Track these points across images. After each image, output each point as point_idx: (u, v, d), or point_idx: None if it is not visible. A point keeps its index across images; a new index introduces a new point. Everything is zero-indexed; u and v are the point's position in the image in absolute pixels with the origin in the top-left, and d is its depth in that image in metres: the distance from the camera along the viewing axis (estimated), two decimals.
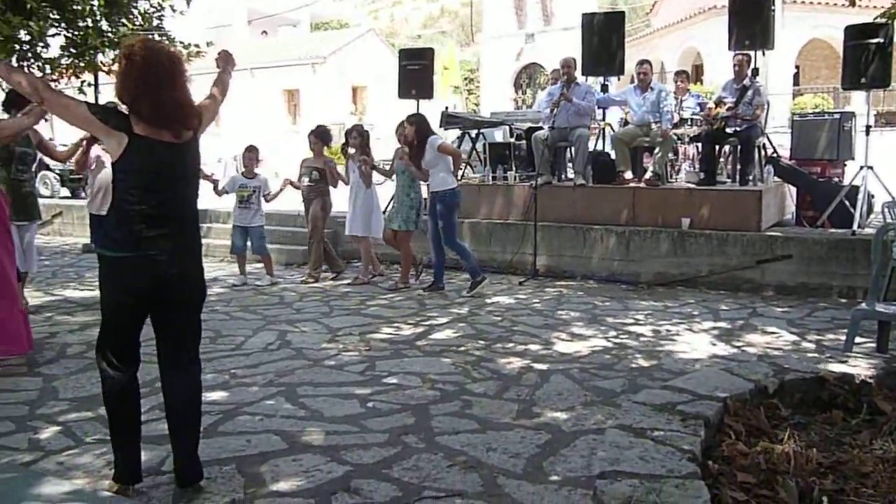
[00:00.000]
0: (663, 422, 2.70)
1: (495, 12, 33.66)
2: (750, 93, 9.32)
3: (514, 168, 10.70)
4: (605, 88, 10.57)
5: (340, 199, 9.43)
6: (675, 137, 9.95)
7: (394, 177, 8.87)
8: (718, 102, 9.68)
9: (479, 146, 11.96)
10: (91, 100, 11.47)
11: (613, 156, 10.17)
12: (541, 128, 10.24)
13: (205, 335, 6.22)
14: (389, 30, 48.66)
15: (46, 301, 7.79)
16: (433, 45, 17.97)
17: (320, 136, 9.21)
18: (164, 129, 3.24)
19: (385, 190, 9.42)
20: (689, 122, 10.45)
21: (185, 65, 3.38)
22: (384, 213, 9.11)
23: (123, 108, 3.32)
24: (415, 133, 8.29)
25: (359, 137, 9.02)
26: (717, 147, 9.83)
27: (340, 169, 9.51)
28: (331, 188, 9.17)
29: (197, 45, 10.55)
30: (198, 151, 3.50)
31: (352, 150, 9.03)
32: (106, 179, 7.46)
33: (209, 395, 4.76)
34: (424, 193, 8.93)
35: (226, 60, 3.94)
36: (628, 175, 9.51)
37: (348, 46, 34.77)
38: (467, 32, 46.88)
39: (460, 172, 12.87)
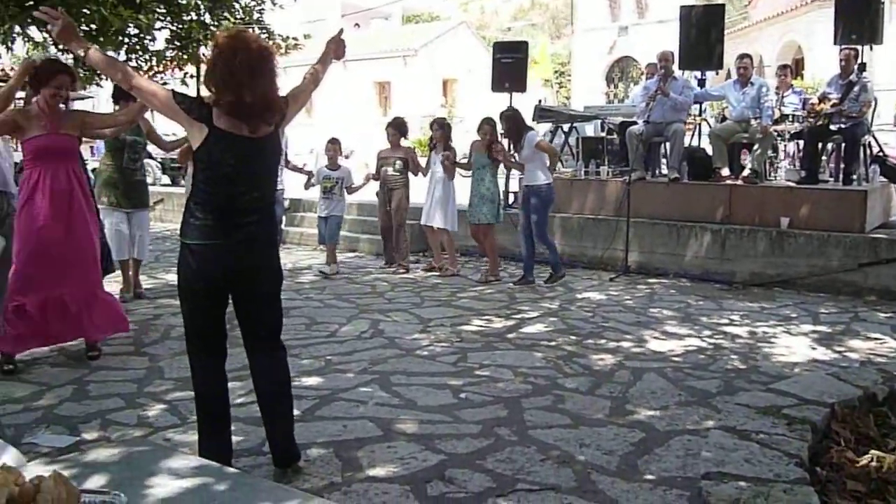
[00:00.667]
0: (768, 425, 2.65)
1: (588, 5, 33.28)
2: (856, 89, 8.97)
3: (606, 163, 10.58)
4: (702, 83, 10.34)
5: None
6: (776, 134, 9.67)
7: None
8: (822, 98, 9.35)
9: (571, 140, 11.86)
10: (193, 92, 11.90)
11: (709, 152, 9.96)
12: (634, 122, 10.10)
13: (300, 322, 6.47)
14: (479, 22, 48.61)
15: (150, 284, 8.09)
16: (523, 38, 17.85)
17: (398, 127, 9.30)
18: (243, 123, 3.23)
19: (459, 183, 9.42)
20: (791, 119, 10.12)
21: (275, 58, 3.35)
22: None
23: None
24: (511, 127, 8.35)
25: (440, 130, 9.09)
26: (819, 145, 9.50)
27: (421, 160, 9.59)
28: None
29: (295, 39, 10.76)
30: (277, 145, 3.51)
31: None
32: None
33: (305, 381, 4.91)
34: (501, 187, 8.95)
35: (337, 47, 3.86)
36: (725, 172, 9.29)
37: (439, 39, 34.94)
38: (558, 25, 46.48)
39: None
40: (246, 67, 3.15)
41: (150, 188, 8.53)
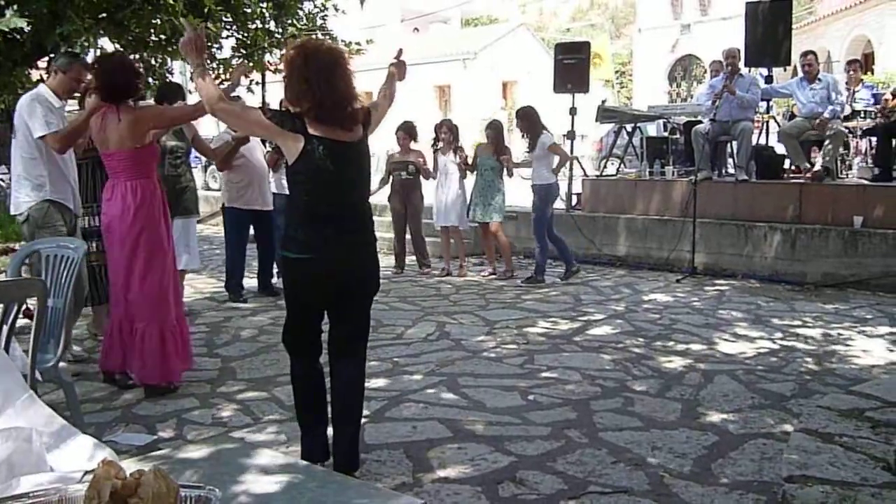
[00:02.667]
0: (851, 428, 2.59)
1: (650, 3, 32.95)
2: None
3: (671, 163, 10.44)
4: (769, 80, 10.14)
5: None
6: (847, 131, 9.42)
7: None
8: None
9: (635, 140, 11.74)
10: (259, 97, 12.09)
11: (778, 150, 9.76)
12: (699, 121, 9.95)
13: None
14: (538, 24, 48.39)
15: (219, 287, 8.23)
16: (583, 39, 17.73)
17: (408, 131, 9.25)
18: (335, 127, 3.25)
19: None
20: (863, 115, 9.85)
21: (347, 58, 3.36)
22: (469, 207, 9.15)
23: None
24: (527, 124, 8.54)
25: (449, 132, 9.11)
26: (894, 141, 9.23)
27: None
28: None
29: (358, 44, 10.86)
30: (368, 150, 3.54)
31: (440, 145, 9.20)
32: (254, 172, 7.56)
33: (374, 382, 4.95)
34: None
35: (398, 69, 3.87)
36: (805, 167, 9.12)
37: (498, 42, 34.88)
38: (617, 25, 46.02)
39: (614, 167, 12.77)
40: (320, 72, 3.17)
41: (216, 193, 8.54)
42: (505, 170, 8.74)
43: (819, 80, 9.21)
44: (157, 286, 4.69)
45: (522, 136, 8.80)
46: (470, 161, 9.10)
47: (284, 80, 3.30)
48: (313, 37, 3.60)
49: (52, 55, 8.02)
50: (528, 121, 8.59)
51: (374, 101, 3.67)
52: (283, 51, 3.52)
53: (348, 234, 3.37)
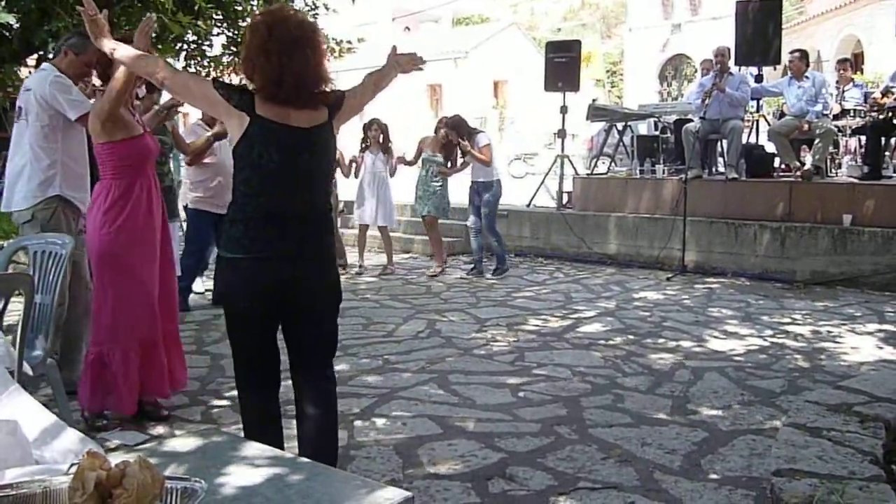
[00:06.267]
0: (840, 422, 2.60)
1: (640, 3, 33.06)
2: None
3: (661, 161, 10.47)
4: (759, 79, 10.17)
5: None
6: (836, 129, 9.46)
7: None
8: (886, 92, 9.13)
9: (625, 139, 11.76)
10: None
11: (768, 149, 9.78)
12: (689, 120, 9.97)
13: (357, 322, 6.52)
14: (530, 23, 48.43)
15: (208, 285, 8.20)
16: (574, 38, 17.75)
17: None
18: (289, 108, 2.80)
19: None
20: (852, 114, 9.89)
21: (320, 33, 2.90)
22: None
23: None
24: (461, 133, 8.60)
25: (378, 132, 9.16)
26: (883, 139, 9.27)
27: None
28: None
29: (349, 42, 10.85)
30: (331, 141, 3.00)
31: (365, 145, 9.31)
32: (225, 171, 6.59)
33: (365, 379, 4.96)
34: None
35: (406, 63, 3.32)
36: (795, 165, 9.16)
37: (489, 41, 34.96)
38: (608, 24, 46.12)
39: (605, 166, 12.78)
40: (283, 44, 2.74)
41: None
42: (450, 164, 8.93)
43: (807, 77, 9.25)
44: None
45: (455, 143, 8.73)
46: (409, 158, 9.27)
47: (244, 47, 2.87)
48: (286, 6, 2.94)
49: (40, 52, 7.99)
50: (459, 128, 8.64)
51: (354, 88, 3.13)
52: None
53: (295, 237, 2.87)
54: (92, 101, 4.26)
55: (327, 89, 2.92)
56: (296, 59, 2.75)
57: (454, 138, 8.66)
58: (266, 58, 2.74)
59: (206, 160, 7.04)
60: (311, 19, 3.25)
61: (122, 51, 3.14)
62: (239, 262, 2.85)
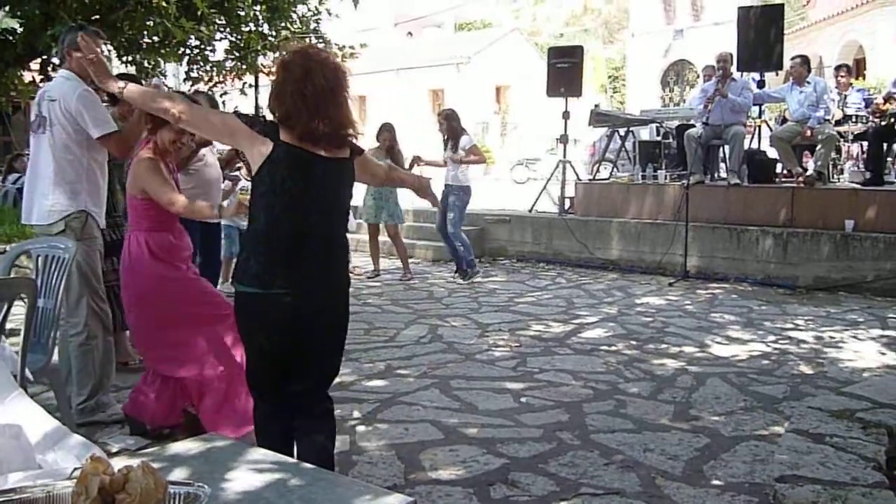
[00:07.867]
0: (842, 429, 2.59)
1: (642, 9, 33.11)
2: None
3: (663, 167, 10.47)
4: (761, 85, 10.18)
5: None
6: (838, 135, 9.46)
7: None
8: (888, 98, 9.12)
9: (627, 144, 11.76)
10: (251, 100, 12.08)
11: (770, 154, 9.78)
12: (691, 125, 9.98)
13: (358, 326, 6.51)
14: (532, 29, 48.54)
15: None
16: (576, 43, 17.79)
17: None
18: (319, 145, 2.79)
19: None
20: (854, 119, 9.89)
21: (349, 77, 2.88)
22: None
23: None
24: (450, 126, 8.61)
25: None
26: (885, 145, 9.27)
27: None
28: None
29: (352, 47, 10.88)
30: (352, 174, 2.98)
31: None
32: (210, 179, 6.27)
33: (366, 384, 4.95)
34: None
35: (427, 196, 3.47)
36: (797, 171, 9.16)
37: (492, 46, 34.99)
38: (610, 30, 46.21)
39: (607, 171, 12.78)
40: (321, 93, 2.73)
41: None
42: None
43: (808, 83, 9.25)
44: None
45: (444, 137, 8.75)
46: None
47: (274, 87, 2.82)
48: (313, 45, 2.89)
49: (43, 56, 8.02)
50: (452, 122, 8.66)
51: (371, 157, 3.22)
52: (278, 53, 2.96)
53: (315, 268, 2.84)
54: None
55: (351, 133, 2.91)
56: (333, 109, 2.76)
57: (391, 142, 8.76)
58: (303, 102, 2.71)
59: (192, 167, 7.02)
60: (342, 61, 3.16)
61: (131, 89, 3.08)
62: (260, 297, 2.81)
